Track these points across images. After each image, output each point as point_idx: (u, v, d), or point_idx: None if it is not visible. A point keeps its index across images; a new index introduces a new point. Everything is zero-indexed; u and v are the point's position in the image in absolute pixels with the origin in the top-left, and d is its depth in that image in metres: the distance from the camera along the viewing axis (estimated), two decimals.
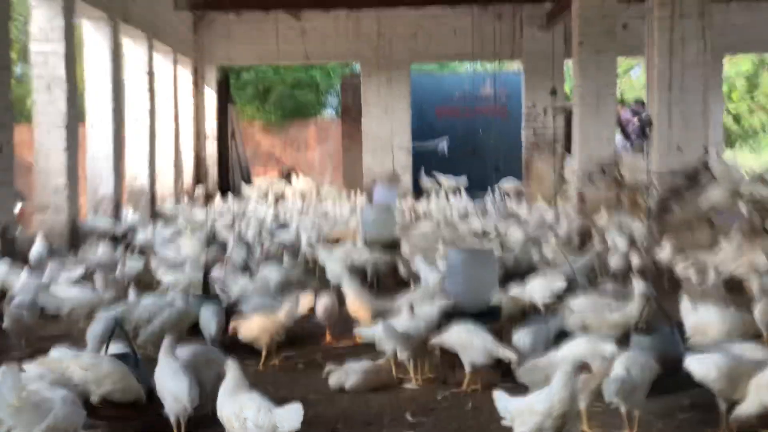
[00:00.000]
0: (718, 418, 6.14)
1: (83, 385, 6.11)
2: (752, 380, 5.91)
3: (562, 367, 5.43)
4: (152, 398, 6.22)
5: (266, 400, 5.43)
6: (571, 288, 9.22)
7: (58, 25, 14.43)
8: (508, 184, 24.25)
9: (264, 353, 8.12)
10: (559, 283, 8.90)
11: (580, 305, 8.39)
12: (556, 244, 12.23)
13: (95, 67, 17.42)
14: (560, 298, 8.87)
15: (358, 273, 11.86)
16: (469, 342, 7.08)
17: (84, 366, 6.17)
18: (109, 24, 16.95)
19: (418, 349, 7.41)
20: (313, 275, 11.81)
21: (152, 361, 7.29)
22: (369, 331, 7.70)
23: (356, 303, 9.06)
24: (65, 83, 14.40)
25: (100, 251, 12.82)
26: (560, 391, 5.33)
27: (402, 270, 11.76)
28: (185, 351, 6.70)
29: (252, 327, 8.15)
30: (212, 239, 14.65)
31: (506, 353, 6.99)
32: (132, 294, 9.18)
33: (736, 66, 34.86)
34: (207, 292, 9.12)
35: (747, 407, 5.89)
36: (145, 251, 14.33)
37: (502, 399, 5.63)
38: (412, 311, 7.76)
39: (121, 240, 14.09)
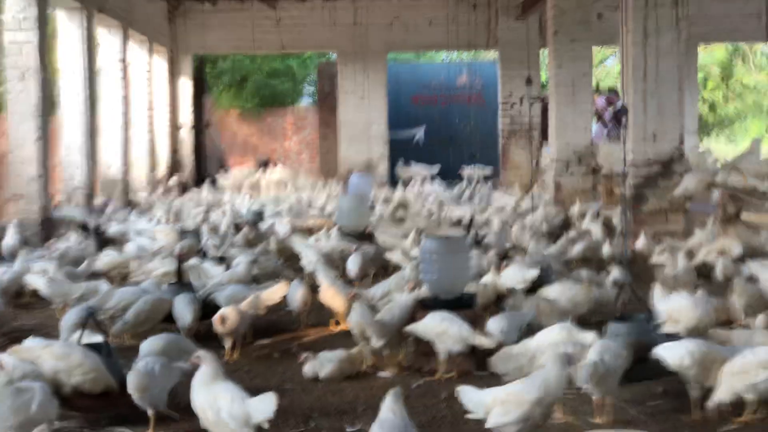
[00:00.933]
0: (690, 405, 6.18)
1: (54, 375, 6.09)
2: (724, 368, 5.95)
3: (554, 355, 5.43)
4: (124, 388, 6.20)
5: (240, 390, 5.42)
6: (546, 276, 9.24)
7: (31, 15, 14.33)
8: (471, 169, 24.17)
9: (229, 344, 8.07)
10: (533, 271, 8.92)
11: (554, 293, 8.43)
12: (530, 232, 12.24)
13: (69, 57, 17.32)
14: (535, 286, 8.88)
15: (333, 262, 11.88)
16: (445, 330, 7.09)
17: (56, 356, 6.14)
18: (84, 13, 16.85)
19: (393, 338, 7.41)
20: (288, 264, 11.78)
21: (126, 351, 7.30)
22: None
23: (330, 292, 9.05)
24: (39, 73, 14.31)
25: (72, 241, 12.78)
26: (553, 380, 5.32)
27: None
28: (157, 341, 6.68)
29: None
30: (187, 229, 14.60)
31: (482, 340, 7.00)
32: (105, 284, 9.14)
33: (710, 55, 34.98)
34: (181, 281, 9.08)
35: (720, 395, 5.93)
36: (118, 241, 14.30)
37: (468, 392, 5.61)
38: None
39: (94, 230, 14.00)
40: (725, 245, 10.67)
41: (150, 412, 6.04)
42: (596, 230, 13.30)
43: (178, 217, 16.64)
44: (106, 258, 11.55)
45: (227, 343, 8.01)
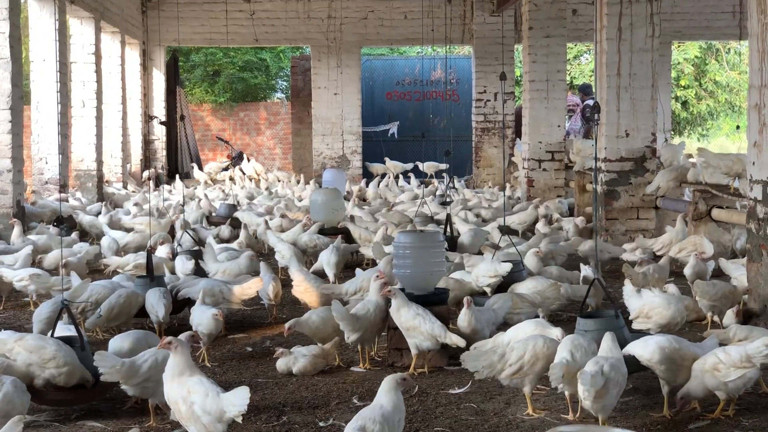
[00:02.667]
0: (660, 401, 6.21)
1: (27, 368, 6.05)
2: (695, 364, 5.99)
3: None
4: (98, 382, 6.17)
5: (214, 385, 5.40)
6: (518, 272, 9.25)
7: (2, 5, 14.19)
8: (429, 165, 24.21)
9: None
10: (505, 265, 8.93)
11: (525, 289, 8.46)
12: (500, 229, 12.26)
13: (41, 48, 17.21)
14: (506, 283, 8.90)
15: (307, 256, 11.88)
16: (416, 326, 7.09)
17: (29, 348, 6.11)
18: (56, 4, 16.73)
19: (367, 333, 7.41)
20: (262, 258, 11.76)
21: (98, 345, 7.26)
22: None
23: (303, 286, 9.05)
24: (10, 64, 14.18)
25: (43, 234, 12.71)
26: None
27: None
28: (126, 337, 6.65)
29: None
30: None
31: (453, 339, 7.00)
32: (76, 277, 9.09)
33: (684, 52, 35.16)
34: (151, 275, 9.04)
35: (691, 391, 5.97)
36: (90, 234, 14.27)
37: None
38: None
39: (66, 223, 13.92)
40: (697, 243, 10.72)
41: (151, 403, 6.10)
42: (569, 227, 13.33)
43: (153, 210, 16.56)
44: (79, 250, 11.49)
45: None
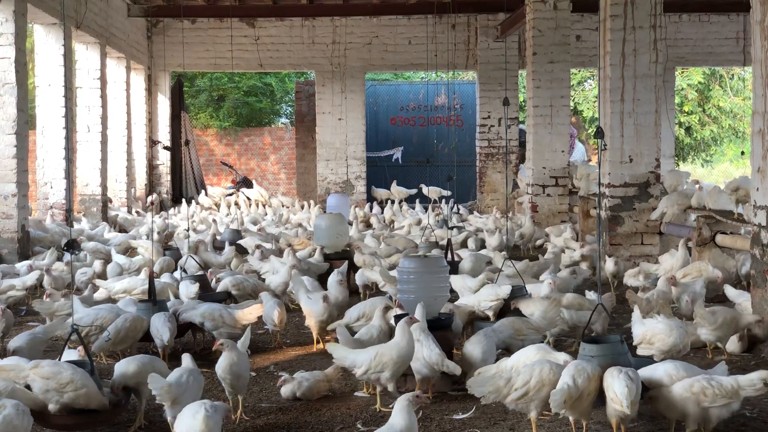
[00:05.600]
0: (666, 427, 6.19)
1: (44, 394, 6.03)
2: (677, 386, 5.94)
3: None
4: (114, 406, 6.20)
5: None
6: (519, 294, 9.22)
7: (8, 30, 14.29)
8: (431, 189, 24.16)
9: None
10: (505, 288, 8.90)
11: (531, 308, 8.43)
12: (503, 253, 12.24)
13: (47, 73, 17.28)
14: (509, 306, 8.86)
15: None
16: (415, 353, 7.06)
17: (45, 375, 6.08)
18: (61, 29, 16.81)
19: None
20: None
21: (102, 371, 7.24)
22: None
23: (307, 311, 9.07)
24: (15, 89, 14.25)
25: (49, 259, 12.73)
26: None
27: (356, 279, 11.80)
28: (132, 361, 6.63)
29: None
30: (169, 246, 14.62)
31: (450, 367, 6.95)
32: (79, 302, 9.09)
33: (688, 78, 35.19)
34: (154, 299, 9.03)
35: (664, 411, 5.96)
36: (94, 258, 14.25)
37: None
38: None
39: (70, 248, 13.92)
40: (702, 269, 10.68)
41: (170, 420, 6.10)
42: (573, 252, 13.33)
43: (160, 235, 16.62)
44: (84, 275, 11.50)
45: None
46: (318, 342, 9.07)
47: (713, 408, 5.82)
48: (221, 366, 6.63)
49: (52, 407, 6.05)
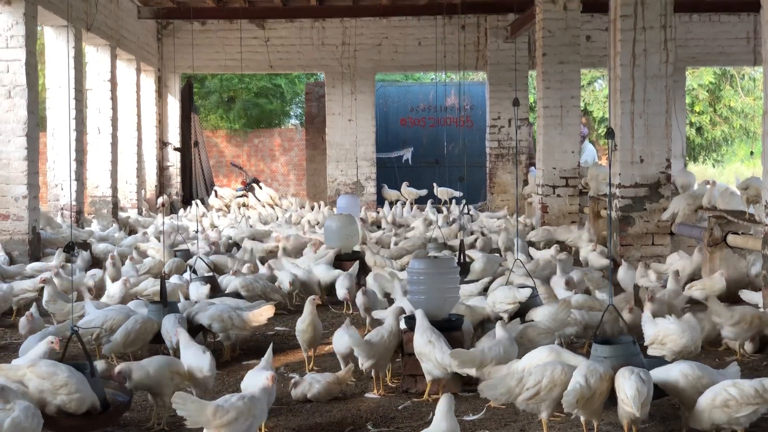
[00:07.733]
0: (678, 428, 6.17)
1: (39, 394, 6.04)
2: (701, 399, 5.89)
3: None
4: (107, 409, 6.17)
5: None
6: (534, 299, 9.19)
7: (19, 33, 14.31)
8: (442, 191, 24.09)
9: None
10: (524, 291, 8.85)
11: (539, 315, 8.39)
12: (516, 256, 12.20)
13: (57, 75, 17.31)
14: (523, 309, 8.83)
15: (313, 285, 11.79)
16: (427, 353, 7.05)
17: (41, 374, 6.09)
18: (71, 32, 16.84)
19: (381, 359, 7.39)
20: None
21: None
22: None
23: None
24: (26, 91, 14.28)
25: (57, 260, 12.73)
26: None
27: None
28: (149, 362, 6.62)
29: None
30: (176, 249, 14.60)
31: (463, 369, 6.94)
32: (90, 303, 9.10)
33: (698, 78, 35.15)
34: (165, 300, 9.03)
35: (698, 425, 5.90)
36: (104, 260, 14.27)
37: None
38: None
39: (80, 249, 13.95)
40: (706, 286, 10.48)
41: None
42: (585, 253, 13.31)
43: (170, 236, 16.60)
44: (93, 276, 11.52)
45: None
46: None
47: (741, 417, 5.77)
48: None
49: (48, 409, 6.04)
